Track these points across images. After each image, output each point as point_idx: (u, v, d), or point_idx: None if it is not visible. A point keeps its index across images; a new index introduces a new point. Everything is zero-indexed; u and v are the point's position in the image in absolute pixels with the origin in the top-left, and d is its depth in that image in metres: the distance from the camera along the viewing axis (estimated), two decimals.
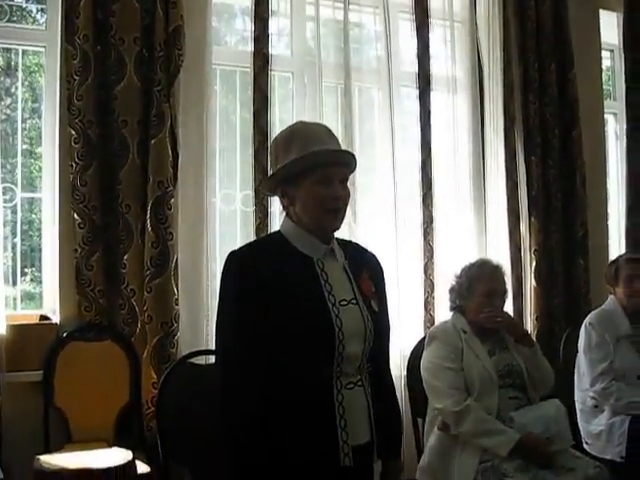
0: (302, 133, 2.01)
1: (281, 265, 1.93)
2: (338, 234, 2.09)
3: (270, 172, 2.10)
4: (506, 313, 3.25)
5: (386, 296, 2.15)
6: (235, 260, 1.97)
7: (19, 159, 3.60)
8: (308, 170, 1.95)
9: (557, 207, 4.35)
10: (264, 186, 2.12)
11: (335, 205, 1.97)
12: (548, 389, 3.18)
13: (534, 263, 4.24)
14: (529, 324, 4.21)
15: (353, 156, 2.07)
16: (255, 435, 1.85)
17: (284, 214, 2.05)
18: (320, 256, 1.99)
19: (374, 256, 2.18)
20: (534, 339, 3.49)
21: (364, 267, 2.07)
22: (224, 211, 3.85)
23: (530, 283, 4.25)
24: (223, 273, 1.98)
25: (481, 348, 3.09)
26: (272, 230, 3.59)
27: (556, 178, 4.35)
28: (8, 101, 3.69)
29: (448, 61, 4.19)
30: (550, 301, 4.29)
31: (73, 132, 3.29)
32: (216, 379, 1.94)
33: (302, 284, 1.93)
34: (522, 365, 3.12)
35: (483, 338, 3.13)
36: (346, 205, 2.02)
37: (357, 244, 2.23)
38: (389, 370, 2.21)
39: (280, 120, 3.85)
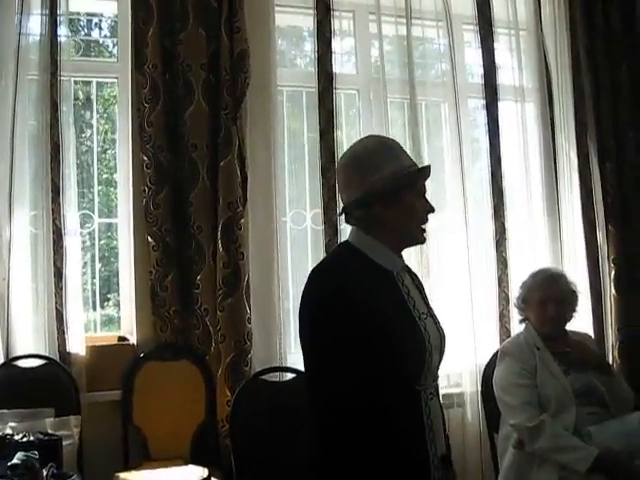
0: (390, 145, 1.96)
1: (370, 283, 1.86)
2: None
3: (349, 186, 1.92)
4: (581, 344, 3.14)
5: None
6: (343, 299, 1.80)
7: (95, 188, 3.74)
8: (410, 184, 1.91)
9: (635, 213, 4.20)
10: (359, 197, 1.89)
11: (428, 220, 1.95)
12: (628, 411, 3.04)
13: (613, 272, 4.09)
14: (610, 335, 4.06)
15: None
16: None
17: (354, 227, 1.95)
18: (399, 270, 1.95)
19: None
20: (614, 359, 3.31)
21: None
22: (295, 230, 3.88)
23: (610, 293, 4.09)
24: (328, 310, 1.80)
25: (555, 366, 2.98)
26: None
27: (632, 184, 4.20)
28: (88, 133, 3.84)
29: (515, 70, 4.12)
30: (632, 311, 4.10)
31: (145, 158, 3.40)
32: (319, 420, 1.79)
33: (392, 300, 1.89)
34: (600, 386, 3.00)
35: (557, 356, 3.03)
36: None
37: None
38: None
39: (348, 138, 3.87)
